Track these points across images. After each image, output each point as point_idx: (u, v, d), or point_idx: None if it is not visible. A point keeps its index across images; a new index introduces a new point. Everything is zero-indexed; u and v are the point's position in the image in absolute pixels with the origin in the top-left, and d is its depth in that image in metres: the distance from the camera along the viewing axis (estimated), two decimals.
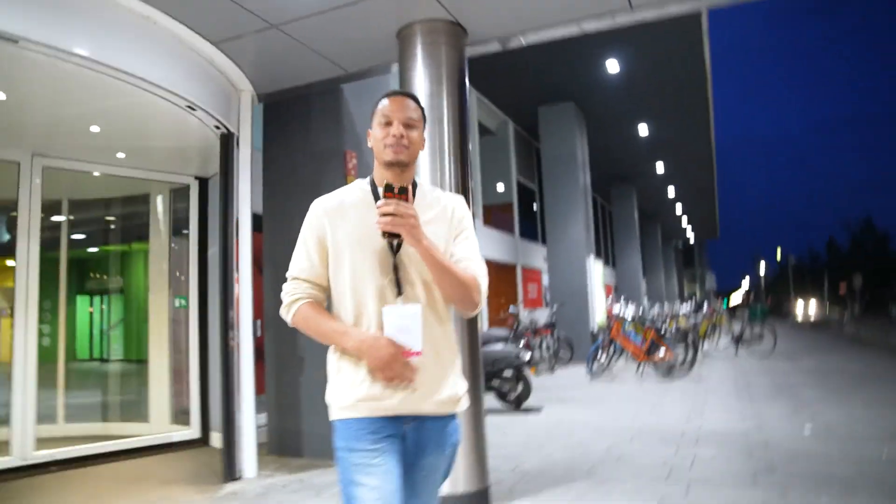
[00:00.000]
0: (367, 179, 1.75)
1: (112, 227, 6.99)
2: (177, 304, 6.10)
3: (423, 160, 3.68)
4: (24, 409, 4.70)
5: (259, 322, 4.90)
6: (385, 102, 1.69)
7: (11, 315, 4.82)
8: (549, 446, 5.27)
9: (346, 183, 5.60)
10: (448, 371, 1.66)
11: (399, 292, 1.61)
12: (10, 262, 4.95)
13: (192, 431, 5.75)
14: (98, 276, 7.92)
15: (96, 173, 5.44)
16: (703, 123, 16.28)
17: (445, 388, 1.64)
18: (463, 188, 3.76)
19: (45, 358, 5.28)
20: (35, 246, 4.90)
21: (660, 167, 20.07)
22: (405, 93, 1.73)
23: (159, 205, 6.23)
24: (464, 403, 1.70)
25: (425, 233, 1.55)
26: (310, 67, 4.45)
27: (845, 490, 3.72)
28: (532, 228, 16.66)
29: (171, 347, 6.06)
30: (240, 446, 4.40)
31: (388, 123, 1.65)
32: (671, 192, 24.24)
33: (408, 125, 1.66)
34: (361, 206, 1.67)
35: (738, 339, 13.74)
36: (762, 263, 70.68)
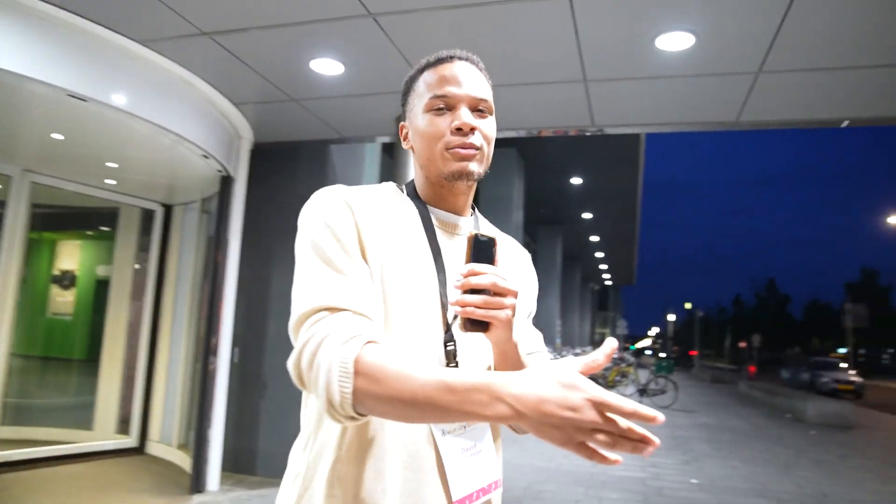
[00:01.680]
0: (402, 187, 1.15)
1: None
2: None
3: None
4: None
5: (237, 350, 5.38)
6: (436, 73, 1.08)
7: None
8: None
9: None
10: None
11: None
12: None
13: (131, 440, 6.09)
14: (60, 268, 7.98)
15: (78, 191, 5.76)
16: (632, 178, 17.62)
17: None
18: None
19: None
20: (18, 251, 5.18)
21: (587, 214, 21.40)
22: (467, 55, 1.11)
23: (129, 223, 6.60)
24: None
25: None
26: (312, 130, 5.04)
27: None
28: None
29: (125, 353, 6.38)
30: (208, 461, 4.85)
31: (448, 108, 1.06)
32: (594, 237, 25.66)
33: (479, 111, 1.07)
34: (411, 231, 1.06)
35: (642, 390, 14.89)
36: (671, 314, 74.60)
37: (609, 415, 0.72)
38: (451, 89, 1.05)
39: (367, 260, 0.99)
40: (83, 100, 3.43)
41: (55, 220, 7.03)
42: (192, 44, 3.49)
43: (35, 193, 5.35)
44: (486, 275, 0.91)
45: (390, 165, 8.73)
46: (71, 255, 7.22)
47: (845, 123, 4.14)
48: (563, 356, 11.72)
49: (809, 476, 6.99)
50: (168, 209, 6.49)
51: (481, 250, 0.94)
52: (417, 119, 1.08)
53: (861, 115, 4.00)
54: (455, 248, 1.09)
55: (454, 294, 0.94)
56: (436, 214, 1.10)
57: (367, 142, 5.32)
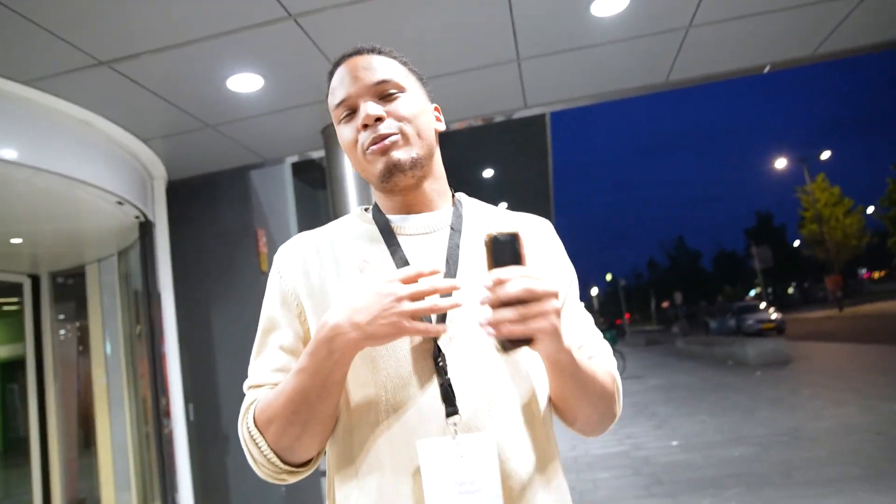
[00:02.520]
0: (365, 209, 1.10)
1: None
2: None
3: None
4: None
5: (192, 406, 4.93)
6: (334, 81, 1.03)
7: None
8: None
9: (259, 262, 5.91)
10: None
11: (452, 410, 0.87)
12: None
13: None
14: None
15: None
16: (542, 163, 17.90)
17: None
18: None
19: None
20: None
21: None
22: (359, 48, 1.03)
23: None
24: None
25: None
26: (230, 157, 4.70)
27: (719, 489, 4.58)
28: None
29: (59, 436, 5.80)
30: None
31: (353, 110, 1.00)
32: None
33: (384, 96, 0.99)
34: (372, 253, 1.00)
35: None
36: (594, 288, 77.01)
37: (408, 284, 0.82)
38: (346, 91, 0.99)
39: (308, 318, 0.98)
40: None
41: None
42: (88, 76, 3.11)
43: None
44: (515, 280, 0.77)
45: (302, 188, 8.43)
46: None
47: (767, 69, 4.23)
48: None
49: (773, 415, 7.22)
50: (35, 280, 5.93)
51: (504, 251, 0.80)
52: (339, 129, 1.04)
53: (780, 57, 4.09)
54: (429, 248, 1.00)
55: (471, 308, 0.88)
56: (399, 222, 1.03)
57: (281, 162, 5.03)
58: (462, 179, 17.25)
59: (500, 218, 1.09)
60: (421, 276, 0.84)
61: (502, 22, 3.13)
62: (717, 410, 8.18)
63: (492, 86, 3.98)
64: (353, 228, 1.06)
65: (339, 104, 1.00)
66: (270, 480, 0.95)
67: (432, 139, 1.03)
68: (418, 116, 0.99)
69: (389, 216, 1.04)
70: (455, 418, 0.87)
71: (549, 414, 0.99)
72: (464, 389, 0.89)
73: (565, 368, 0.88)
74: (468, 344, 0.91)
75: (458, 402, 0.88)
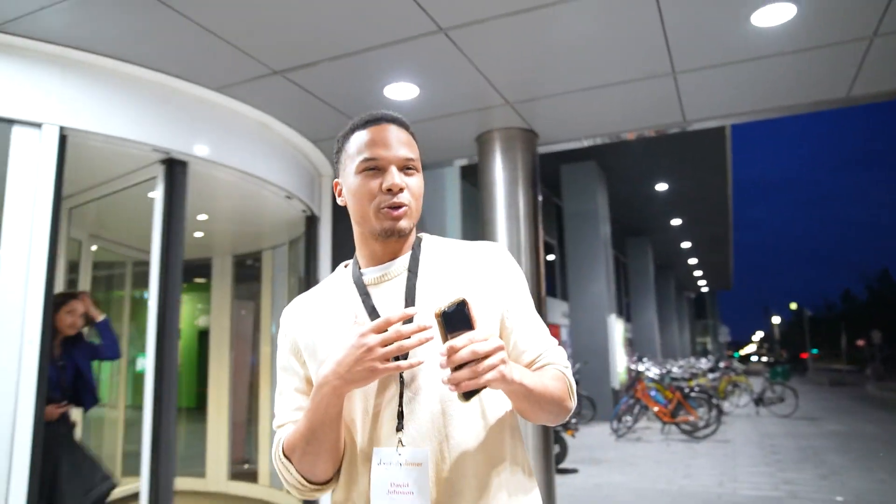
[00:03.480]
0: (347, 265, 1.28)
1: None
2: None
3: None
4: None
5: None
6: (366, 135, 1.16)
7: None
8: None
9: None
10: None
11: (400, 426, 1.08)
12: None
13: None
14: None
15: None
16: (720, 178, 16.74)
17: None
18: (537, 287, 4.21)
19: None
20: None
21: (676, 221, 20.53)
22: (394, 116, 1.20)
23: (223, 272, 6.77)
24: None
25: None
26: None
27: None
28: (551, 284, 17.08)
29: (231, 400, 6.49)
30: None
31: (378, 169, 1.13)
32: (686, 244, 24.63)
33: (407, 169, 1.15)
34: (351, 306, 1.17)
35: (758, 400, 13.91)
36: (775, 316, 70.44)
37: (381, 334, 0.99)
38: (380, 152, 1.14)
39: (307, 363, 1.19)
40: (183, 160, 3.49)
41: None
42: (264, 84, 3.48)
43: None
44: (463, 349, 0.94)
45: (470, 191, 8.65)
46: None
47: None
48: (667, 370, 11.13)
49: None
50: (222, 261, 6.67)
51: (453, 320, 0.98)
52: (350, 178, 1.17)
53: None
54: (391, 293, 1.17)
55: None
56: (370, 274, 1.20)
57: (444, 166, 5.20)
58: (633, 193, 16.69)
59: (453, 250, 1.24)
60: (390, 323, 1.01)
61: (653, 34, 3.02)
62: None
63: (647, 99, 3.85)
64: (337, 284, 1.25)
65: (369, 158, 1.14)
66: (304, 497, 1.18)
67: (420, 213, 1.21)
68: (420, 197, 1.18)
69: (362, 269, 1.22)
70: (400, 434, 1.08)
71: (508, 427, 1.17)
72: (415, 412, 1.09)
73: (519, 394, 1.05)
74: (426, 376, 1.10)
75: (406, 422, 1.08)
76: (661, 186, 16.49)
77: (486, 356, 0.95)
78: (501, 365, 0.96)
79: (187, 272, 7.35)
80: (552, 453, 4.14)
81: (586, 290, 14.38)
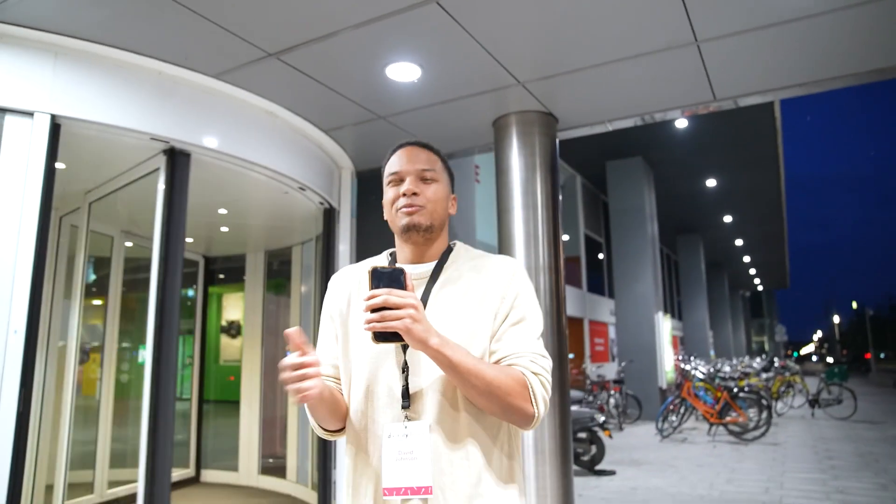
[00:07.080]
0: (392, 252, 1.50)
1: None
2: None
3: (518, 245, 3.95)
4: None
5: None
6: (393, 157, 1.43)
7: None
8: None
9: None
10: None
11: (406, 404, 1.28)
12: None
13: (189, 471, 6.31)
14: None
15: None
16: (772, 173, 16.04)
17: None
18: (555, 273, 3.98)
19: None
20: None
21: (727, 217, 19.79)
22: (418, 141, 1.44)
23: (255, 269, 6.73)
24: None
25: (457, 318, 1.30)
26: None
27: None
28: (598, 282, 16.67)
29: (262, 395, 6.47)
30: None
31: (399, 181, 1.39)
32: (739, 241, 23.76)
33: (423, 178, 1.39)
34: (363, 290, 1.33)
35: (813, 401, 13.24)
36: (835, 315, 67.60)
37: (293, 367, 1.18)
38: (400, 167, 1.39)
39: (337, 325, 1.42)
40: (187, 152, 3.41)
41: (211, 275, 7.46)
42: (260, 68, 3.36)
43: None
44: (378, 297, 1.14)
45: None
46: (235, 306, 7.80)
47: None
48: (717, 368, 10.70)
49: None
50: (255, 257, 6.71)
51: (383, 279, 1.16)
52: (385, 193, 1.43)
53: None
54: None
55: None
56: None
57: (463, 155, 5.00)
58: (681, 189, 16.15)
59: (475, 262, 1.41)
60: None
61: None
62: None
63: (671, 74, 3.57)
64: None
65: (393, 173, 1.40)
66: (324, 438, 1.43)
67: (444, 218, 1.43)
68: (438, 202, 1.39)
69: (397, 265, 1.40)
70: (406, 411, 1.27)
71: (505, 424, 1.34)
72: (417, 391, 1.29)
73: (444, 365, 1.20)
74: (427, 362, 1.27)
75: (412, 402, 1.28)
76: (711, 182, 15.90)
77: (397, 307, 1.14)
78: (409, 319, 1.14)
79: (226, 269, 7.43)
80: (570, 459, 3.90)
81: (633, 287, 13.96)
